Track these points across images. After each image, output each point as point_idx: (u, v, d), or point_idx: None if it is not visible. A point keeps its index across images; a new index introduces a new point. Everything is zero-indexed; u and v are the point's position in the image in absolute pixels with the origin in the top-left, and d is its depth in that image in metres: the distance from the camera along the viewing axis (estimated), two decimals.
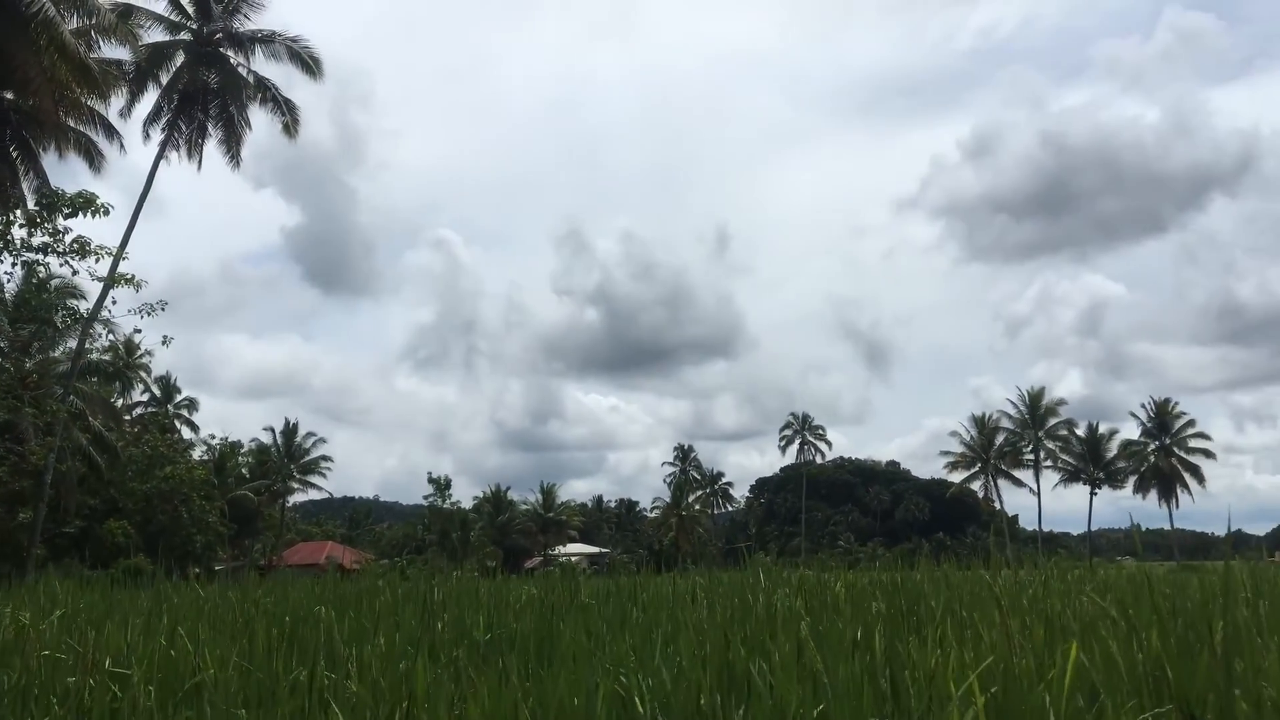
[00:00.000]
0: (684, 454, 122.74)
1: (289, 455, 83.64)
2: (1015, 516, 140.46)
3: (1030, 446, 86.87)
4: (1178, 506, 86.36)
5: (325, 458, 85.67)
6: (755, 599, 7.43)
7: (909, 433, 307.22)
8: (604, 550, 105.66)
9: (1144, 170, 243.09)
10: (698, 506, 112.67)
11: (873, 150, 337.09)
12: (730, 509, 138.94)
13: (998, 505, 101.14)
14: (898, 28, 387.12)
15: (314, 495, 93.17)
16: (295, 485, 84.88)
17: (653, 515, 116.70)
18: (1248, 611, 4.94)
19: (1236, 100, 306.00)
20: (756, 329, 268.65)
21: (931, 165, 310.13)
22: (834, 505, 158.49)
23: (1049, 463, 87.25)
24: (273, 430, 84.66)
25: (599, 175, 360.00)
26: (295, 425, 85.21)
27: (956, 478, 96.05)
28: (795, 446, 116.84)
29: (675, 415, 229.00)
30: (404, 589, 9.41)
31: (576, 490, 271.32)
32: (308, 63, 43.16)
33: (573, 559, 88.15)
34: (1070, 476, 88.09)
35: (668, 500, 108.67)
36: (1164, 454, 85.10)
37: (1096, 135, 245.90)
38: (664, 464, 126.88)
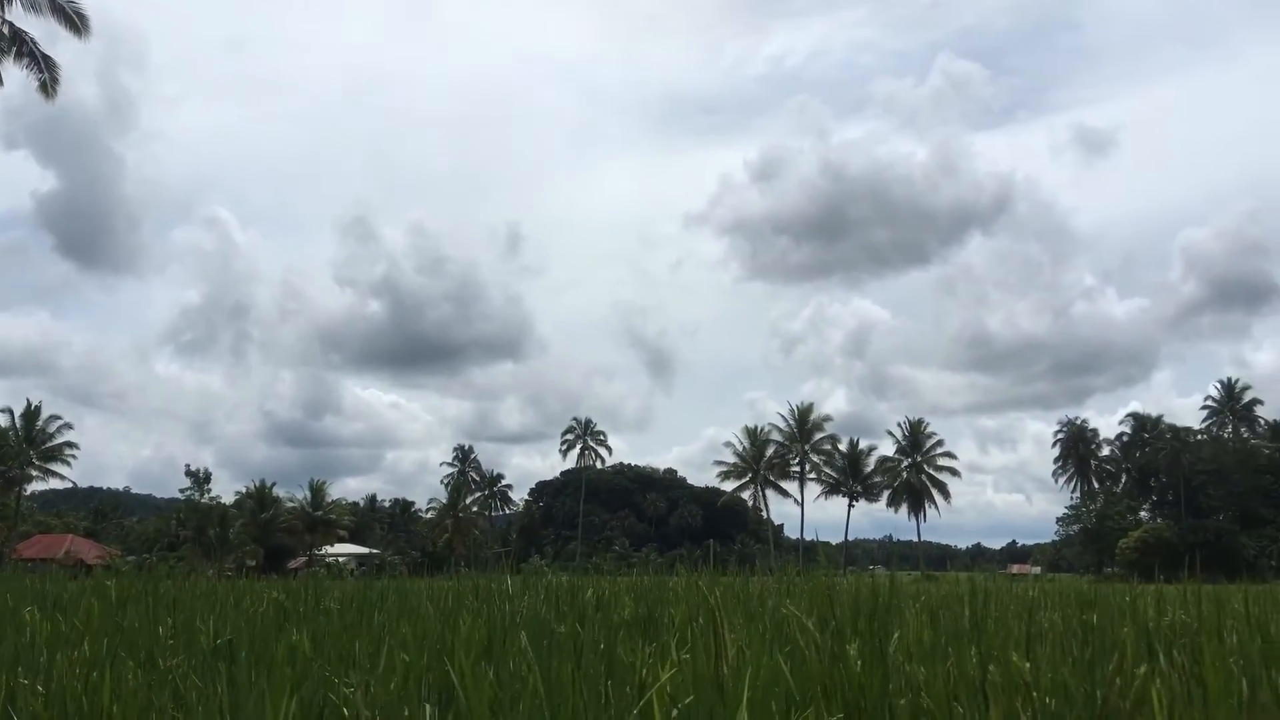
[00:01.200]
0: (464, 455, 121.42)
1: (28, 440, 76.90)
2: (780, 525, 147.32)
3: (797, 459, 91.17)
4: (925, 520, 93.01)
5: (70, 444, 79.35)
6: (503, 606, 7.41)
7: (688, 441, 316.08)
8: (374, 551, 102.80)
9: (912, 204, 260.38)
10: (475, 508, 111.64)
11: (667, 164, 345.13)
12: (509, 511, 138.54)
13: (765, 514, 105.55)
14: (698, 48, 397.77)
15: (56, 484, 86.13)
16: (34, 472, 78.17)
17: (428, 516, 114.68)
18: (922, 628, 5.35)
19: (997, 146, 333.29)
20: (545, 331, 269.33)
21: (720, 184, 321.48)
22: (611, 510, 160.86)
23: (813, 475, 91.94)
24: (10, 412, 77.64)
25: (392, 166, 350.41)
26: (37, 408, 78.52)
27: (729, 486, 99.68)
28: (576, 451, 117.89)
29: (458, 415, 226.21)
30: (132, 589, 8.80)
31: (349, 489, 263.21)
32: (72, 18, 40.01)
33: (340, 559, 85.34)
34: (831, 489, 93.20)
35: (445, 501, 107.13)
36: (915, 470, 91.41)
37: (872, 168, 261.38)
38: (443, 464, 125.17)
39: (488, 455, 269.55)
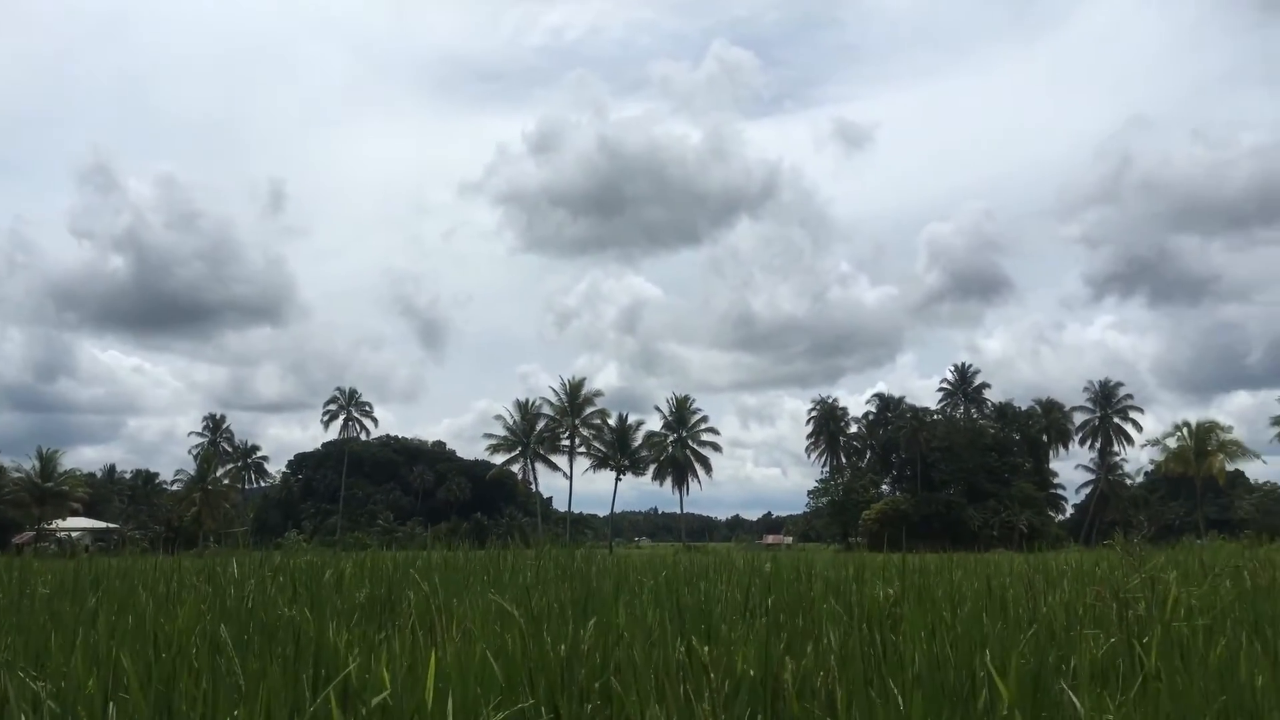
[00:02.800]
0: (215, 424, 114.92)
1: None
2: (550, 498, 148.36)
3: (567, 433, 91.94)
4: (688, 493, 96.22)
5: None
6: (230, 588, 6.99)
7: (459, 413, 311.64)
8: (113, 526, 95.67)
9: (686, 186, 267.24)
10: (227, 481, 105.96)
11: (442, 130, 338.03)
12: (264, 484, 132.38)
13: (534, 487, 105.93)
14: (478, 12, 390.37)
15: None
16: None
17: (174, 489, 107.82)
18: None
19: (766, 134, 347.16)
20: (308, 296, 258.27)
21: (497, 153, 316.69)
22: (376, 483, 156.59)
23: (583, 449, 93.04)
24: None
25: (140, 112, 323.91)
26: None
27: (499, 460, 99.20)
28: (340, 422, 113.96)
29: (210, 381, 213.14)
30: None
31: (86, 458, 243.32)
32: None
33: (74, 534, 78.89)
34: (600, 462, 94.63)
35: (193, 474, 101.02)
36: (680, 445, 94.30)
37: (648, 147, 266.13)
38: (192, 434, 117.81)
39: (242, 425, 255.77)
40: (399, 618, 5.92)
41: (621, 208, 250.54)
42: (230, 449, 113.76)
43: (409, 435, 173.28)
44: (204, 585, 7.55)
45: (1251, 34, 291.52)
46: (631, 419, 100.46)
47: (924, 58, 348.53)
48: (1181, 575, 6.56)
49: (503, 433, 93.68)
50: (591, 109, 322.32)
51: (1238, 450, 78.97)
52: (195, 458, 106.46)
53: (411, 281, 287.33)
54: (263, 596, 6.35)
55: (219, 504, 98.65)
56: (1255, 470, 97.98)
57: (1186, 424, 78.85)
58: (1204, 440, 76.56)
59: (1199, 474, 77.63)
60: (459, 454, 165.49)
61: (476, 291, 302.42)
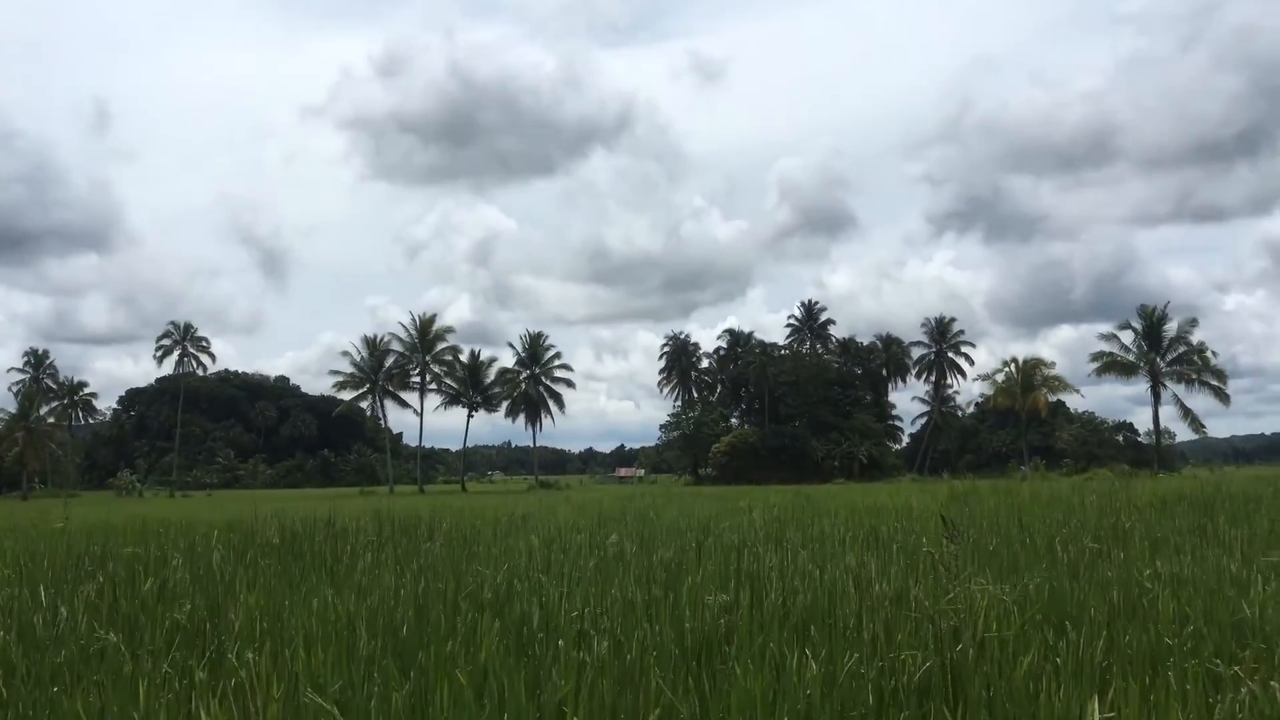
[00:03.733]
0: (37, 359, 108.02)
1: None
2: (400, 434, 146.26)
3: (418, 370, 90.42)
4: (541, 429, 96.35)
5: None
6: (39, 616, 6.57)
7: (303, 346, 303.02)
8: None
9: (539, 115, 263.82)
10: (51, 420, 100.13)
11: (281, 49, 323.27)
12: (94, 421, 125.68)
13: (384, 423, 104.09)
14: None
15: None
16: None
17: None
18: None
19: (621, 64, 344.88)
20: (138, 223, 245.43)
21: (341, 75, 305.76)
22: (215, 420, 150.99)
23: (434, 386, 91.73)
24: None
25: None
26: None
27: (346, 396, 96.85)
28: (175, 357, 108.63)
29: (30, 312, 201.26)
30: None
31: None
32: None
33: None
34: (452, 399, 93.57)
35: (13, 412, 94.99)
36: (534, 382, 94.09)
37: (500, 75, 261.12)
38: (11, 370, 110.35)
39: (68, 359, 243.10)
40: (224, 632, 5.66)
41: (473, 136, 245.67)
42: (54, 385, 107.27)
43: (250, 370, 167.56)
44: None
45: None
46: (484, 355, 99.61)
47: None
48: (995, 570, 6.89)
49: (350, 370, 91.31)
50: (441, 31, 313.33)
51: (1059, 385, 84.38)
52: (16, 395, 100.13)
53: (250, 209, 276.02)
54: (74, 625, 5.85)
55: (44, 444, 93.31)
56: (1075, 401, 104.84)
57: (1014, 360, 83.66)
58: (1030, 376, 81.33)
59: (1024, 408, 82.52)
60: (304, 389, 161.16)
61: (321, 220, 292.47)
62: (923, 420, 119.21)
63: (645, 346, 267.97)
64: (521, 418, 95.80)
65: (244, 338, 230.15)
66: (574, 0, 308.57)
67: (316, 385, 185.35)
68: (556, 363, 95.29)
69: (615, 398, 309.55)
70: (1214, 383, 74.69)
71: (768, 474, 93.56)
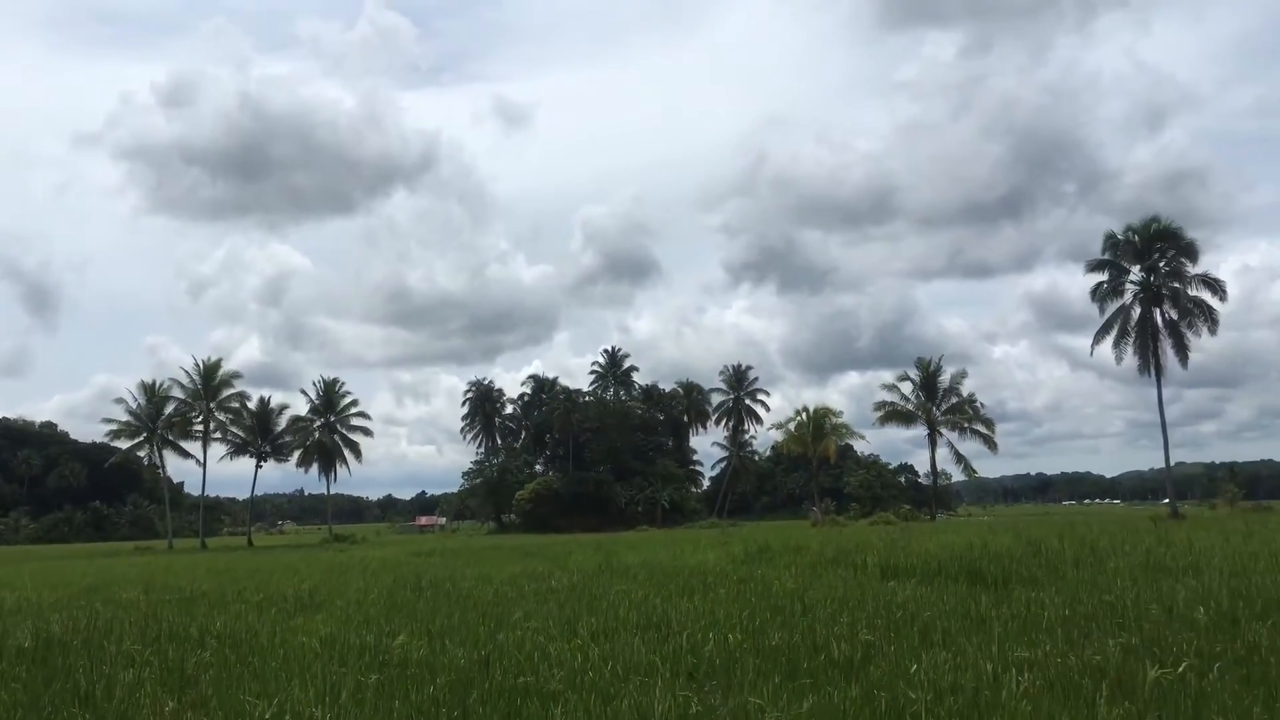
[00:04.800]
0: None
1: None
2: (181, 483, 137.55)
3: (201, 417, 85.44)
4: (336, 479, 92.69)
5: None
6: None
7: (74, 389, 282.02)
8: None
9: (338, 152, 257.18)
10: None
11: (53, 73, 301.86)
12: None
13: (162, 473, 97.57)
14: None
15: None
16: None
17: None
18: None
19: (424, 104, 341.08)
20: None
21: (121, 103, 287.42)
22: None
23: (218, 434, 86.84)
24: None
25: None
26: None
27: (121, 445, 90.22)
28: None
29: None
30: None
31: None
32: None
33: None
34: (238, 449, 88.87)
35: None
36: (328, 430, 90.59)
37: (296, 109, 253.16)
38: None
39: None
40: None
41: (266, 171, 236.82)
42: None
43: (12, 415, 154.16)
44: None
45: (869, 49, 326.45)
46: (275, 401, 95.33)
47: (582, 43, 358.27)
48: (779, 672, 7.05)
49: (125, 417, 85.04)
50: (232, 64, 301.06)
51: (846, 432, 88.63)
52: None
53: (15, 241, 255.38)
54: None
55: None
56: (862, 445, 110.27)
57: (806, 409, 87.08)
58: (820, 424, 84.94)
59: (815, 454, 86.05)
60: (74, 435, 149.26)
61: (95, 254, 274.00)
62: (723, 464, 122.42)
63: (448, 390, 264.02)
64: (315, 467, 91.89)
65: (6, 379, 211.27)
66: (374, 39, 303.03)
67: (88, 431, 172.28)
68: (353, 410, 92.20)
69: (417, 443, 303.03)
70: (983, 430, 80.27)
71: (572, 521, 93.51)
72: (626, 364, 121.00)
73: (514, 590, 17.19)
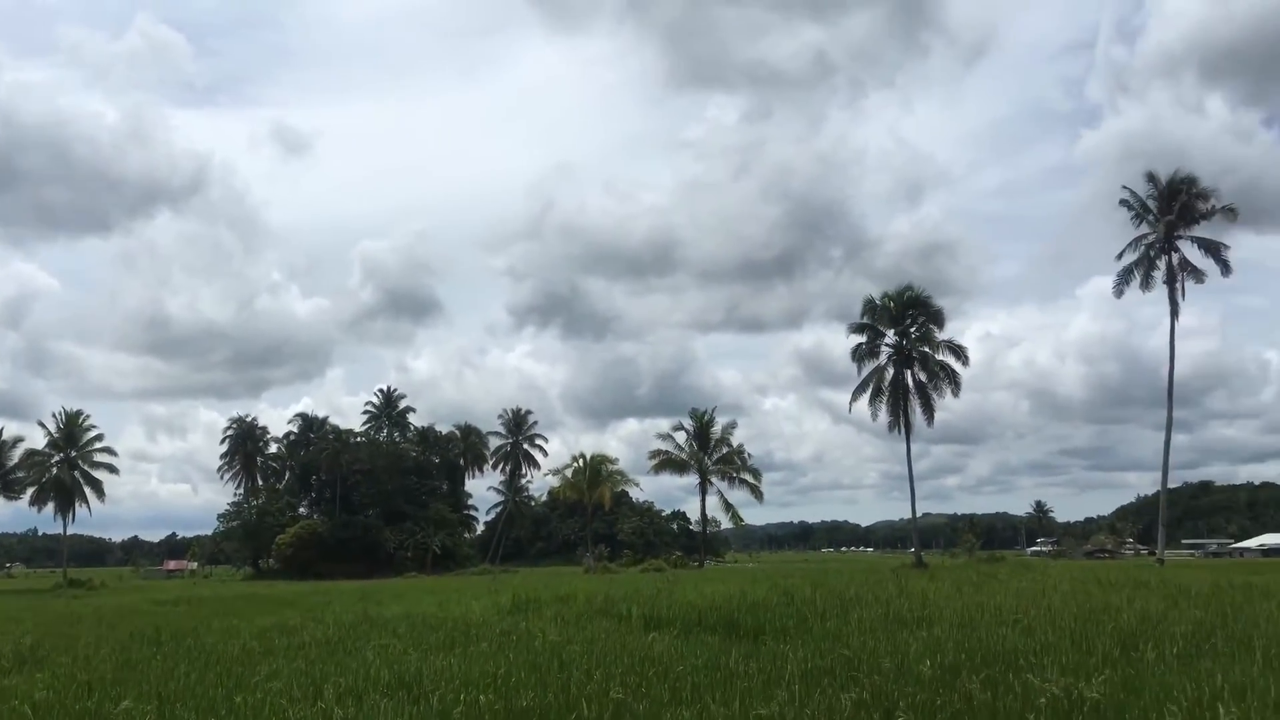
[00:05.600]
0: None
1: None
2: None
3: None
4: (74, 518, 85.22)
5: None
6: None
7: None
8: None
9: (96, 168, 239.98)
10: None
11: None
12: None
13: None
14: None
15: None
16: None
17: None
18: None
19: (196, 125, 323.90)
20: None
21: None
22: None
23: None
24: None
25: None
26: None
27: None
28: None
29: None
30: None
31: None
32: None
33: None
34: None
35: None
36: (67, 466, 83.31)
37: (51, 119, 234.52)
38: None
39: None
40: None
41: (11, 184, 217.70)
42: None
43: None
44: None
45: (657, 107, 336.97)
46: (9, 433, 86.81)
47: (370, 75, 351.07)
48: None
49: None
50: None
51: (622, 479, 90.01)
52: None
53: None
54: None
55: None
56: (636, 491, 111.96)
57: (583, 455, 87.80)
58: (597, 470, 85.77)
59: (590, 500, 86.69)
60: None
61: None
62: (498, 509, 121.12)
63: (207, 425, 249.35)
64: (51, 506, 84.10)
65: None
66: (144, 52, 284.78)
67: None
68: (98, 445, 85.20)
69: (169, 481, 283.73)
70: (750, 480, 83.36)
71: (336, 567, 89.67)
72: (403, 404, 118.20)
73: (262, 645, 16.34)
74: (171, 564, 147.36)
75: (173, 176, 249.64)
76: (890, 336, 66.70)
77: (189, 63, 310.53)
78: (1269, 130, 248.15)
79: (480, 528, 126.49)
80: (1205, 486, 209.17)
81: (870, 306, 67.08)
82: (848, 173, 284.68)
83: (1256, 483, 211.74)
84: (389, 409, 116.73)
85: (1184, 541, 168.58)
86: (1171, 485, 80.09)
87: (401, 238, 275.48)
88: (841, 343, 77.24)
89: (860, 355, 66.77)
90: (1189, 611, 15.77)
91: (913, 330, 66.23)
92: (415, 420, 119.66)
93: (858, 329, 67.18)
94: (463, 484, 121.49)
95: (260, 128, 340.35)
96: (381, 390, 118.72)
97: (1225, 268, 57.60)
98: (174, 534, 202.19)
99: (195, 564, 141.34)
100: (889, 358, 66.65)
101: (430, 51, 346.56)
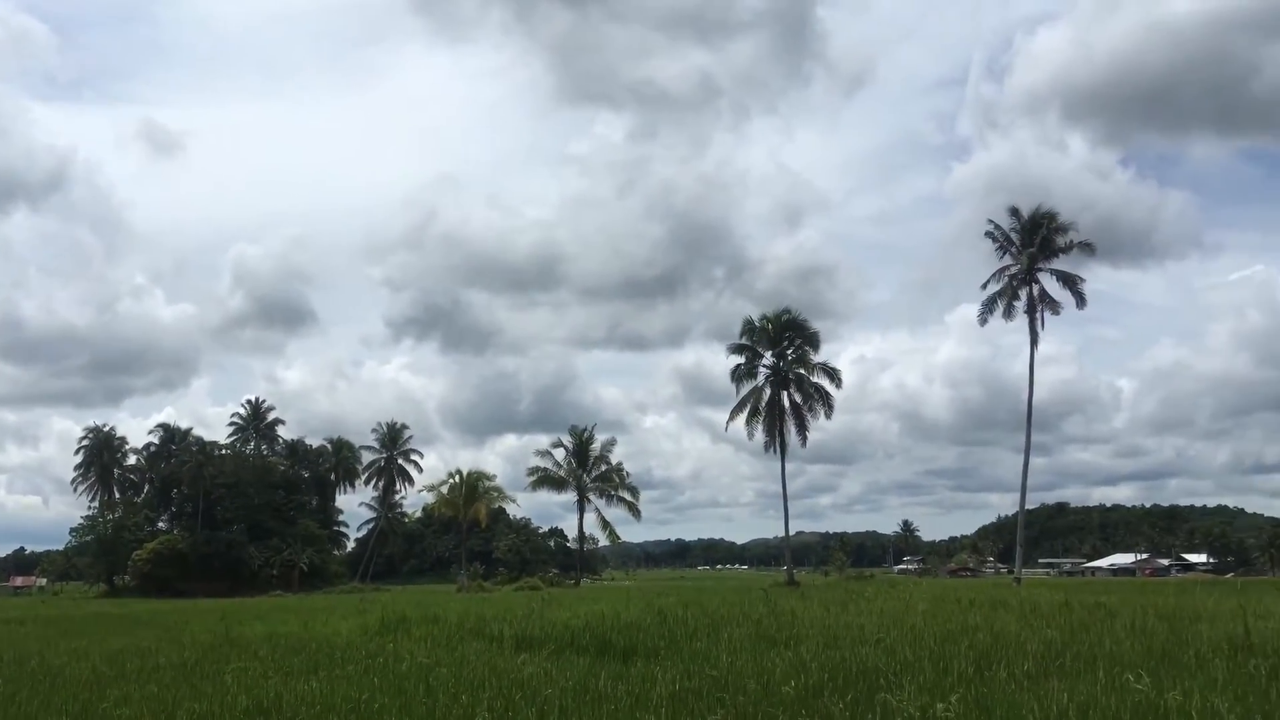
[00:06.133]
0: None
1: None
2: None
3: None
4: None
5: None
6: None
7: None
8: None
9: None
10: None
11: None
12: None
13: None
14: None
15: None
16: None
17: None
18: None
19: (58, 119, 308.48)
20: None
21: None
22: None
23: None
24: None
25: None
26: None
27: None
28: None
29: None
30: None
31: None
32: None
33: None
34: None
35: None
36: None
37: None
38: None
39: None
40: None
41: None
42: None
43: None
44: None
45: (544, 121, 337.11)
46: None
47: (248, 77, 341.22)
48: None
49: None
50: None
51: (499, 495, 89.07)
52: None
53: None
54: None
55: None
56: (514, 508, 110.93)
57: (460, 471, 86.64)
58: (473, 488, 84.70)
59: (465, 517, 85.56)
60: None
61: None
62: (370, 525, 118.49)
63: (61, 435, 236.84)
64: None
65: None
66: (4, 40, 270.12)
67: None
68: None
69: (17, 492, 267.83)
70: (628, 498, 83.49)
71: (198, 585, 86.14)
72: (271, 416, 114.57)
73: (113, 669, 15.57)
74: (18, 580, 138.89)
75: (31, 172, 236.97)
76: (768, 358, 68.09)
77: (52, 54, 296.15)
78: (1125, 170, 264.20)
79: (351, 545, 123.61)
80: (1061, 508, 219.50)
81: (749, 328, 68.38)
82: (731, 194, 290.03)
83: (1108, 505, 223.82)
84: (257, 421, 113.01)
85: (1040, 561, 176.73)
86: (1030, 506, 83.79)
87: (276, 244, 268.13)
88: (721, 362, 78.48)
89: (739, 376, 67.98)
90: (1041, 631, 16.45)
91: (789, 352, 67.75)
92: (285, 433, 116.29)
93: (737, 350, 68.41)
94: (333, 499, 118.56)
95: (128, 126, 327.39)
96: (249, 401, 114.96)
97: (1081, 300, 60.71)
98: (22, 548, 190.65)
99: (44, 580, 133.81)
100: (766, 379, 68.00)
101: (312, 57, 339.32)
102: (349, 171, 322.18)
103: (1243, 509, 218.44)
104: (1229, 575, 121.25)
